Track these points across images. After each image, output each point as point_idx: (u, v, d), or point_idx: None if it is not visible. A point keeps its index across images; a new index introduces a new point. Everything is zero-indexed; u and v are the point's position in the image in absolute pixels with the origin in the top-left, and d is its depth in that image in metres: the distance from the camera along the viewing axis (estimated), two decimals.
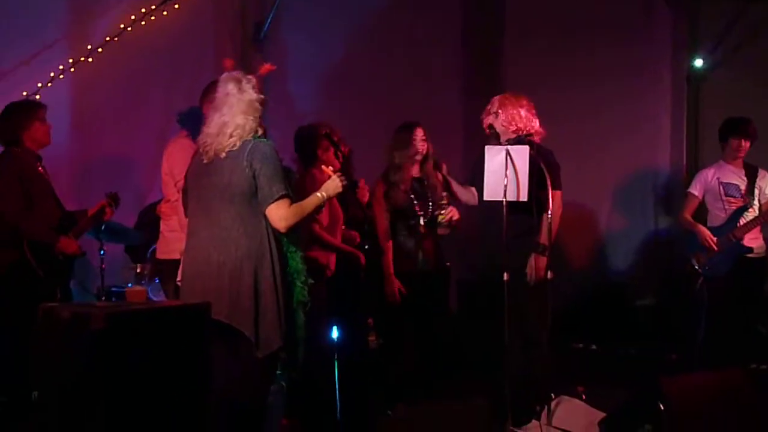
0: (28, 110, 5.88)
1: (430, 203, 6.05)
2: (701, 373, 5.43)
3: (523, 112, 5.83)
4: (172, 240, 5.79)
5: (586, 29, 9.03)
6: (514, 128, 5.80)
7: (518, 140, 5.67)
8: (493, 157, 5.42)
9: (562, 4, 9.12)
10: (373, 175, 6.32)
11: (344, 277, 6.05)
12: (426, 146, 6.08)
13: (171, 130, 6.19)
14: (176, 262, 5.30)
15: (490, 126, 5.85)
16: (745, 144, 6.78)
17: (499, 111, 5.85)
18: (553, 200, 5.60)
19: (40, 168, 5.85)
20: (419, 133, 6.07)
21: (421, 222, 6.02)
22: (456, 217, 5.90)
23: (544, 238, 5.68)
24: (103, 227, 6.15)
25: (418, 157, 6.08)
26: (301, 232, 4.89)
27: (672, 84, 9.43)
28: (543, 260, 5.69)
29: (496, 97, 5.95)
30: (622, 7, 9.30)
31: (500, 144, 5.67)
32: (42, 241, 5.64)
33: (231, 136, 4.41)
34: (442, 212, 5.82)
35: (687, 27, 9.41)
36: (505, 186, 5.32)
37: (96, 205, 5.99)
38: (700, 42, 9.25)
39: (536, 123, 5.86)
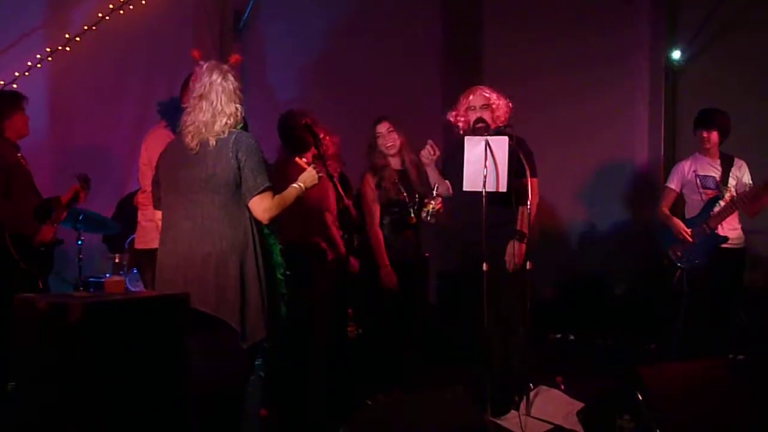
0: (9, 101, 5.87)
1: (416, 195, 6.08)
2: (680, 363, 5.44)
3: (507, 104, 5.89)
4: (150, 230, 5.74)
5: (564, 19, 9.04)
6: (503, 119, 5.83)
7: (497, 131, 5.66)
8: (473, 148, 5.41)
9: None
10: (355, 162, 6.32)
11: (335, 266, 6.00)
12: (395, 138, 6.12)
13: (149, 120, 6.15)
14: (154, 252, 5.28)
15: (481, 119, 5.82)
16: (710, 135, 6.76)
17: (497, 103, 5.86)
18: (533, 188, 5.63)
19: (20, 158, 5.83)
20: (383, 127, 6.16)
21: (411, 213, 6.04)
22: (441, 207, 5.89)
23: (522, 226, 5.69)
24: (81, 217, 6.12)
25: (392, 151, 6.12)
26: (312, 219, 4.91)
27: (650, 76, 9.43)
28: (522, 247, 5.71)
29: (487, 92, 5.93)
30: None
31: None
32: (22, 231, 5.61)
33: (225, 124, 4.41)
34: (432, 202, 5.81)
35: (665, 18, 9.43)
36: (485, 177, 5.31)
37: (69, 190, 5.96)
38: (678, 33, 9.27)
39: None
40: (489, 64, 9.06)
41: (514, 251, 5.69)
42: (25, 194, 5.76)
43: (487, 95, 5.87)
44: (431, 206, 5.80)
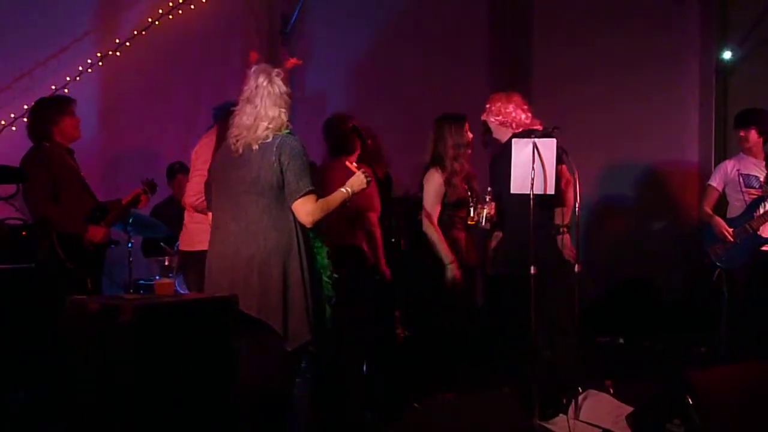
0: (58, 105, 5.97)
1: (475, 197, 6.04)
2: (730, 367, 5.38)
3: (511, 108, 5.91)
4: (195, 232, 5.80)
5: (614, 20, 8.99)
6: (499, 122, 5.87)
7: (544, 133, 5.65)
8: (521, 150, 5.39)
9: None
10: (398, 164, 6.31)
11: (372, 270, 6.01)
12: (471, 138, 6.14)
13: (197, 123, 6.24)
14: (198, 254, 5.35)
15: (484, 122, 5.90)
16: (747, 134, 6.82)
17: (491, 107, 5.93)
18: (563, 176, 5.72)
19: (71, 162, 5.91)
20: (467, 127, 6.10)
21: (472, 213, 5.98)
22: (494, 212, 5.87)
23: (561, 220, 5.78)
24: (131, 220, 6.19)
25: (469, 150, 6.08)
26: (355, 221, 5.12)
27: (700, 77, 9.35)
28: (567, 238, 5.76)
29: (498, 99, 5.99)
30: (648, 1, 9.27)
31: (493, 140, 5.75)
32: (71, 231, 5.70)
33: (267, 128, 4.43)
34: (486, 207, 5.79)
35: (715, 19, 9.35)
36: (532, 179, 5.29)
37: (131, 193, 6.05)
38: (729, 34, 9.18)
39: (523, 116, 5.93)
40: (538, 67, 9.04)
41: (565, 244, 5.74)
42: (76, 197, 5.84)
43: (492, 102, 5.96)
44: (485, 211, 5.79)
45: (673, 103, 9.26)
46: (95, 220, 5.84)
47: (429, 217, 5.98)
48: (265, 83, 4.48)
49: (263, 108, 4.45)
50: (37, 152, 5.82)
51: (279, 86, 4.49)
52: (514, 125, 5.86)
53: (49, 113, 5.89)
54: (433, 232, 5.96)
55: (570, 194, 5.77)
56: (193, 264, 5.56)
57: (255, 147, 4.43)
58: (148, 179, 6.14)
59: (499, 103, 5.90)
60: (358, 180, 4.66)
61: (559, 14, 9.12)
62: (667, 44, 9.21)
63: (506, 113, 5.88)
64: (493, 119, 5.92)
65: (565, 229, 5.75)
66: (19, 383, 5.43)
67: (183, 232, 6.02)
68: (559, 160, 5.67)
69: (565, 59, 8.87)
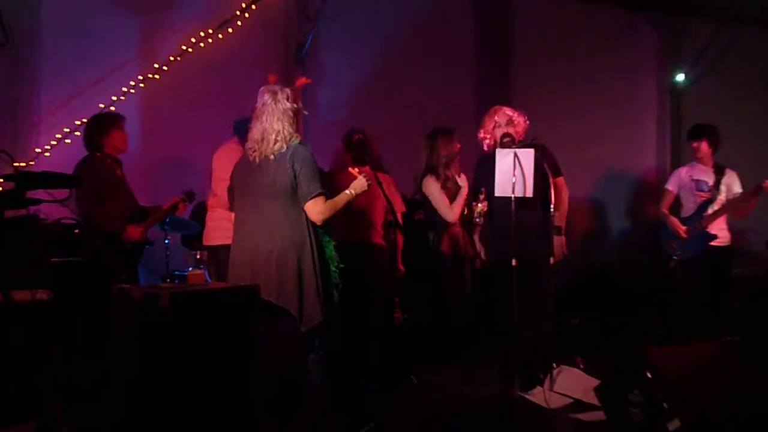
0: (109, 120, 6.00)
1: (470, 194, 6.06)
2: (684, 346, 5.40)
3: (525, 120, 5.95)
4: (214, 228, 5.91)
5: (583, 42, 9.08)
6: (521, 133, 5.86)
7: (525, 144, 5.64)
8: (503, 159, 5.40)
9: (563, 23, 9.11)
10: (400, 173, 6.31)
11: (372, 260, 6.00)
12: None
13: (224, 136, 6.23)
14: (216, 248, 5.54)
15: (508, 134, 5.82)
16: (699, 145, 6.87)
17: (520, 120, 5.92)
18: (560, 186, 5.75)
19: (118, 171, 5.93)
20: (456, 137, 6.13)
21: (467, 210, 6.03)
22: (486, 209, 5.86)
23: (559, 221, 5.80)
24: (168, 219, 6.21)
25: (457, 158, 6.13)
26: (365, 220, 5.25)
27: (657, 95, 9.40)
28: (562, 239, 5.82)
29: (509, 111, 5.97)
30: (612, 26, 9.30)
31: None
32: (111, 230, 5.72)
33: (276, 141, 4.45)
34: (480, 204, 5.80)
35: (669, 45, 9.40)
36: (513, 184, 5.31)
37: (170, 200, 6.08)
38: (681, 59, 9.23)
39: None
40: (518, 82, 9.04)
41: (558, 243, 5.81)
42: (119, 202, 5.85)
43: (510, 113, 5.93)
44: (479, 208, 5.79)
45: (634, 117, 9.33)
46: (135, 221, 5.87)
47: (444, 210, 6.08)
48: (269, 101, 4.50)
49: (268, 123, 4.47)
50: (88, 161, 5.85)
51: (282, 103, 4.50)
52: (523, 135, 5.92)
53: (101, 127, 5.93)
54: (452, 212, 6.07)
55: (567, 201, 5.89)
56: (211, 256, 5.58)
57: (271, 157, 4.46)
58: (188, 190, 6.18)
59: (523, 117, 5.95)
60: (359, 183, 4.71)
61: (536, 37, 9.15)
62: (628, 66, 9.29)
63: (526, 125, 5.96)
64: (519, 131, 5.89)
65: (563, 230, 5.82)
66: (74, 358, 5.43)
67: (205, 229, 6.07)
68: (558, 173, 5.81)
69: (541, 77, 8.90)
